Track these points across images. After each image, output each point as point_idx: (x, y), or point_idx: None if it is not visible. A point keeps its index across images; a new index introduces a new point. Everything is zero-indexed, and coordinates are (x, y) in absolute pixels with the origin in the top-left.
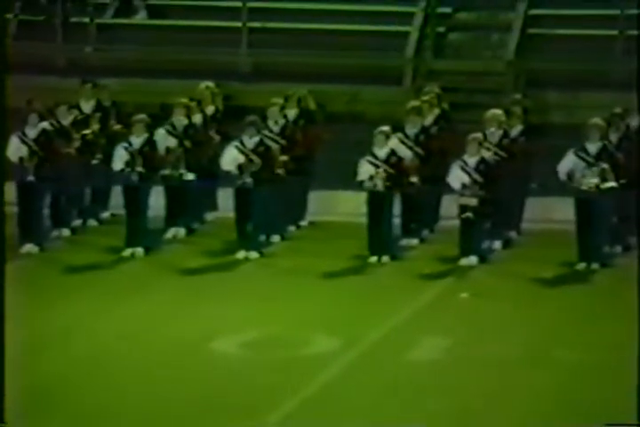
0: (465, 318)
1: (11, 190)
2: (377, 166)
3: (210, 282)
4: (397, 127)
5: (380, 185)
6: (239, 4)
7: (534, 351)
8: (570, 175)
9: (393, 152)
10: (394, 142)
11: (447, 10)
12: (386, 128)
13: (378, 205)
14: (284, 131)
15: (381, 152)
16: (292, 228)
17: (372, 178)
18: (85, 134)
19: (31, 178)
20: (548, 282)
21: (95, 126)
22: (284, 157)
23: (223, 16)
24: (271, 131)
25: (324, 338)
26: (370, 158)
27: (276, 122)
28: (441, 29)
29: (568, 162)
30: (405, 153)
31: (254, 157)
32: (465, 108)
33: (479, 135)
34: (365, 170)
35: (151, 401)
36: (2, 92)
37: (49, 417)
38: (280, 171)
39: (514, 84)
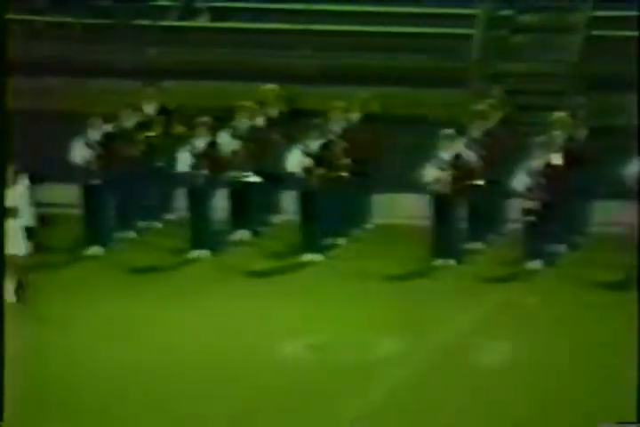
0: (530, 322)
1: (76, 193)
2: (442, 169)
3: (274, 284)
4: (462, 130)
5: (445, 188)
6: (303, 7)
7: (600, 357)
8: (636, 179)
9: (458, 155)
10: (458, 145)
11: (511, 12)
12: (451, 131)
13: (443, 208)
14: (346, 134)
15: (446, 155)
16: (356, 230)
17: (437, 181)
18: (149, 137)
19: (96, 181)
20: (613, 286)
21: (158, 129)
22: (346, 160)
23: (287, 18)
24: (334, 133)
25: (389, 342)
26: (435, 161)
27: (338, 124)
28: (504, 32)
29: (634, 166)
30: (470, 156)
31: (318, 160)
32: (529, 110)
33: (543, 138)
34: (430, 173)
35: (216, 403)
36: (2, 92)
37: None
38: (343, 173)
39: (578, 86)
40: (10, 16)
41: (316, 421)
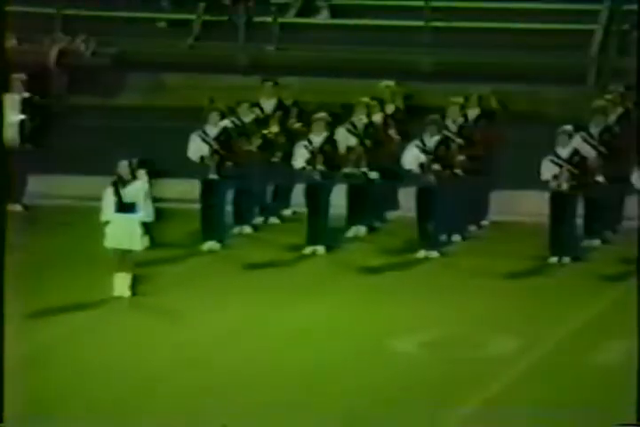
0: None
1: (194, 188)
2: (560, 166)
3: (390, 281)
4: (580, 126)
5: (564, 185)
6: (421, 4)
7: None
8: None
9: (576, 151)
10: (577, 142)
11: (633, 7)
12: (569, 127)
13: (561, 205)
14: (462, 130)
15: (564, 151)
16: (473, 227)
17: (555, 177)
18: (266, 133)
19: (213, 176)
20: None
21: (275, 125)
22: (461, 157)
23: (405, 15)
24: (450, 130)
25: (503, 339)
26: (553, 158)
27: (454, 121)
28: (626, 27)
29: None
30: (589, 152)
31: (435, 157)
32: None
33: None
34: (549, 169)
35: (331, 398)
36: (2, 91)
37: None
38: (458, 170)
39: None
40: (135, 14)
41: (427, 418)
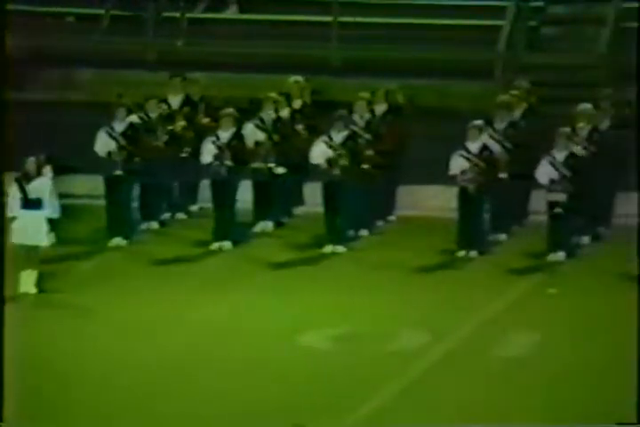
0: (552, 313)
1: (100, 184)
2: (470, 161)
3: (297, 276)
4: (488, 121)
5: (471, 180)
6: None
7: (622, 348)
8: None
9: (485, 146)
10: (485, 137)
11: (540, 3)
12: (479, 122)
13: (469, 199)
14: (369, 125)
15: (474, 146)
16: (380, 222)
17: (463, 172)
18: (171, 129)
19: (119, 172)
20: (636, 278)
21: (181, 121)
22: (369, 152)
23: (314, 10)
24: (357, 125)
25: (411, 333)
26: (463, 153)
27: (361, 116)
28: (533, 23)
29: None
30: (495, 147)
31: (343, 152)
32: (557, 102)
33: (568, 130)
34: (458, 164)
35: (238, 394)
36: (2, 89)
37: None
38: (366, 165)
39: (606, 78)
40: (36, 9)
41: (338, 411)
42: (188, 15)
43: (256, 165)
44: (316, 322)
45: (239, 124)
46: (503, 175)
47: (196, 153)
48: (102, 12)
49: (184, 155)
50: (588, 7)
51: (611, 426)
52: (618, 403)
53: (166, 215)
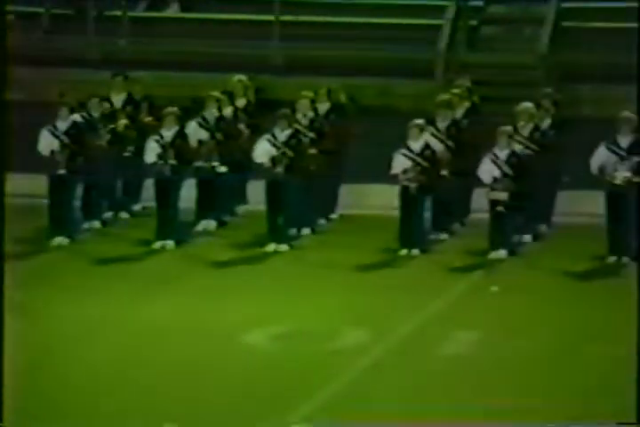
0: (494, 311)
1: (42, 183)
2: (412, 160)
3: (240, 275)
4: (429, 120)
5: (413, 179)
6: None
7: (564, 346)
8: (601, 169)
9: (427, 145)
10: (427, 135)
11: (479, 3)
12: (420, 121)
13: (410, 198)
14: (312, 124)
15: (416, 145)
16: (322, 221)
17: (405, 171)
18: (113, 128)
19: (62, 171)
20: (578, 275)
21: (123, 120)
22: (312, 151)
23: (256, 9)
24: (300, 124)
25: (353, 331)
26: (404, 152)
27: (304, 115)
28: (473, 22)
29: (600, 155)
30: (437, 146)
31: (286, 150)
32: (497, 101)
33: (509, 128)
34: (400, 163)
35: (181, 394)
36: (2, 89)
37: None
38: (310, 164)
39: (546, 77)
40: None
41: (277, 409)
42: (129, 14)
43: (199, 163)
44: (258, 321)
45: (182, 122)
46: (445, 172)
47: (139, 152)
48: (43, 10)
49: (127, 154)
50: (528, 7)
51: (611, 426)
52: (559, 400)
53: (109, 214)
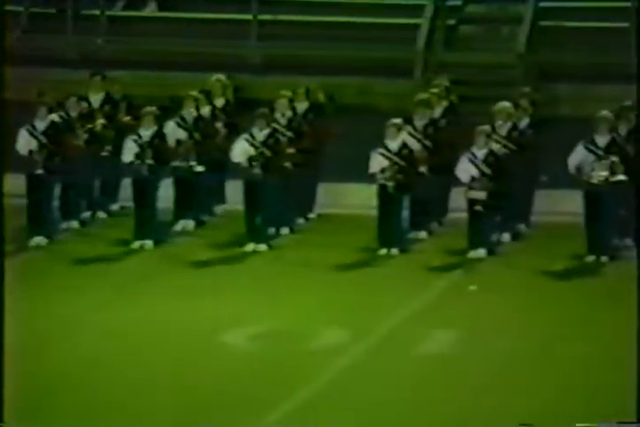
0: (473, 310)
1: (20, 183)
2: (389, 159)
3: (218, 274)
4: (407, 120)
5: (391, 178)
6: None
7: (542, 345)
8: (579, 168)
9: (405, 144)
10: (405, 135)
11: (457, 2)
12: (397, 120)
13: (389, 197)
14: (291, 123)
15: (393, 144)
16: (300, 220)
17: (383, 171)
18: (91, 128)
19: (40, 170)
20: (556, 275)
21: (100, 119)
22: (290, 150)
23: (233, 8)
24: (278, 123)
25: (332, 331)
26: (382, 151)
27: (283, 114)
28: (451, 22)
29: (577, 155)
30: (414, 145)
31: (264, 150)
32: (476, 100)
33: (487, 127)
34: (377, 162)
35: (159, 394)
36: (1, 89)
37: (49, 416)
38: (287, 163)
39: (524, 76)
40: None
41: (256, 409)
42: (107, 13)
43: (176, 163)
44: (237, 320)
45: (160, 122)
46: (423, 169)
47: (117, 151)
48: (21, 9)
49: (104, 153)
50: (506, 6)
51: (612, 424)
52: (537, 399)
53: (87, 214)
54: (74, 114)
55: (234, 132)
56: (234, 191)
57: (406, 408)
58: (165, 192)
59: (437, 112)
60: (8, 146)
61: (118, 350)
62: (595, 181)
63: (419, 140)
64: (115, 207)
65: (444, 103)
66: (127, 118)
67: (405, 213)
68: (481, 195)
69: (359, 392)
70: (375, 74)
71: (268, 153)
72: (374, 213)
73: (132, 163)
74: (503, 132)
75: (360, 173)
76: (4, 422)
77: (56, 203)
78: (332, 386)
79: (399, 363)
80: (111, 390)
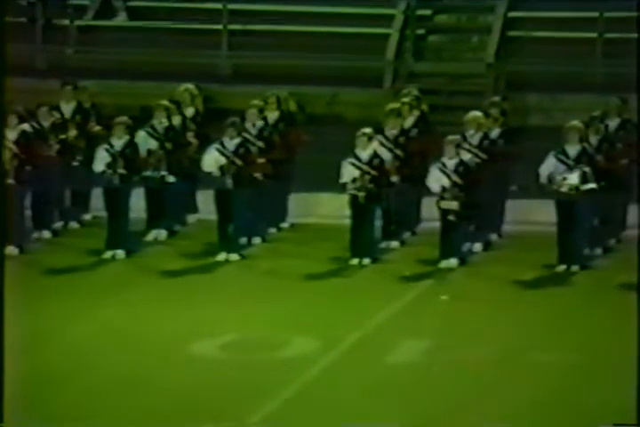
0: (444, 320)
1: None
2: (360, 169)
3: (190, 284)
4: (378, 129)
5: (362, 188)
6: (219, 7)
7: (513, 354)
8: (550, 178)
9: (375, 154)
10: (375, 144)
11: (427, 12)
12: (368, 130)
13: (360, 207)
14: (262, 133)
15: (364, 154)
16: (272, 230)
17: (354, 180)
18: (64, 138)
19: (11, 180)
20: (527, 284)
21: (73, 130)
22: (261, 160)
23: (203, 18)
24: (249, 133)
25: (303, 340)
26: (353, 161)
27: (253, 124)
28: (421, 32)
29: (548, 164)
30: (385, 155)
31: (235, 159)
32: (445, 110)
33: (457, 137)
34: (348, 172)
35: (130, 403)
36: (1, 92)
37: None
38: (258, 173)
39: (494, 86)
40: None
41: (226, 419)
42: (77, 23)
43: (148, 173)
44: (208, 330)
45: (132, 132)
46: (395, 179)
47: (88, 161)
48: None
49: (75, 163)
50: (474, 16)
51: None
52: (507, 407)
53: (59, 224)
54: (46, 124)
55: (204, 141)
56: (206, 201)
57: (376, 417)
58: (137, 202)
59: (409, 122)
60: None
61: (86, 358)
62: (565, 189)
63: (390, 150)
64: (86, 217)
65: (416, 113)
66: (98, 128)
67: (377, 223)
68: (453, 205)
69: (329, 401)
70: (345, 83)
71: (239, 162)
72: (346, 222)
73: (103, 172)
74: (474, 141)
75: (332, 183)
76: (4, 423)
77: (27, 212)
78: (303, 395)
79: (369, 372)
80: (82, 396)
